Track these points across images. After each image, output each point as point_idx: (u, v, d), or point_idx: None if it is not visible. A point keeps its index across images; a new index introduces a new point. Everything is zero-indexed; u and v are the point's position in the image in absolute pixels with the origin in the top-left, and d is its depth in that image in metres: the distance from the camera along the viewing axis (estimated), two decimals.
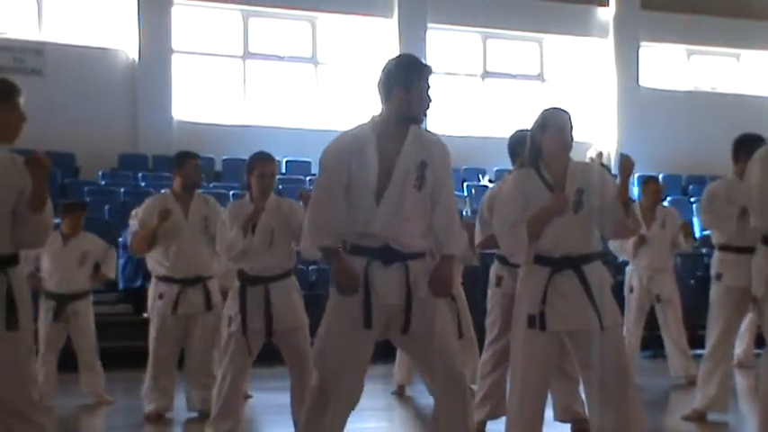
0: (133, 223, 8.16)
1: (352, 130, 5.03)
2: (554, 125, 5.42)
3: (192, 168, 8.16)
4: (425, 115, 4.99)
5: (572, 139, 5.49)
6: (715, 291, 7.57)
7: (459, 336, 9.11)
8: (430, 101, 4.96)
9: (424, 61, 5.01)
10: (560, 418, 7.04)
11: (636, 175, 14.86)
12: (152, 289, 8.23)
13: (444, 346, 4.99)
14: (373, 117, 5.02)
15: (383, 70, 4.98)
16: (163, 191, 8.58)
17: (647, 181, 10.23)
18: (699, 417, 7.67)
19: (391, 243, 4.88)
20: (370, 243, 4.88)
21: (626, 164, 5.41)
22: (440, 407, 5.01)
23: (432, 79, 4.96)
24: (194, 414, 8.28)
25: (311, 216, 5.06)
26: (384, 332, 5.03)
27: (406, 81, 4.88)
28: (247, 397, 8.89)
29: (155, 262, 8.15)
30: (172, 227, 7.94)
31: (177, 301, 8.00)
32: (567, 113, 5.49)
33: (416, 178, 4.88)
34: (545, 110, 5.53)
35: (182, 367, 8.35)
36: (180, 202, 8.09)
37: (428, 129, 5.23)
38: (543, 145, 5.43)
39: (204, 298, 8.06)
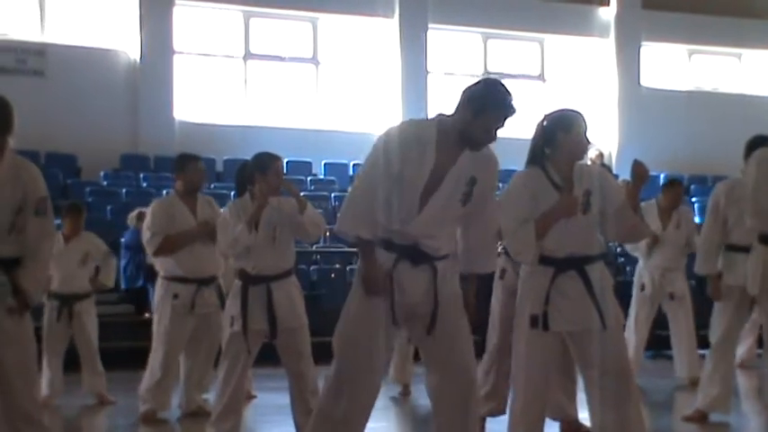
0: (146, 233, 8.07)
1: (415, 123, 4.97)
2: (579, 128, 5.41)
3: (194, 171, 8.15)
4: (484, 146, 4.90)
5: (588, 142, 5.50)
6: None
7: None
8: (493, 137, 4.88)
9: (508, 102, 4.92)
10: (551, 415, 7.01)
11: None
12: (161, 289, 8.12)
13: (465, 350, 4.97)
14: (440, 116, 4.95)
15: (476, 83, 4.93)
16: (165, 192, 8.58)
17: (670, 182, 10.25)
18: (701, 417, 7.66)
19: (422, 245, 4.85)
20: (401, 240, 4.84)
21: (640, 172, 5.40)
22: (443, 410, 4.96)
23: (508, 121, 4.89)
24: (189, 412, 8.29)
25: (354, 199, 4.90)
26: (406, 328, 5.05)
27: (478, 109, 4.82)
28: (251, 397, 8.90)
29: (167, 263, 8.08)
30: (183, 229, 7.96)
31: (194, 301, 7.99)
32: (583, 116, 5.50)
33: (464, 193, 4.84)
34: (564, 111, 5.50)
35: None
36: (186, 205, 8.10)
37: None
38: (564, 147, 5.39)
39: (219, 297, 8.07)
